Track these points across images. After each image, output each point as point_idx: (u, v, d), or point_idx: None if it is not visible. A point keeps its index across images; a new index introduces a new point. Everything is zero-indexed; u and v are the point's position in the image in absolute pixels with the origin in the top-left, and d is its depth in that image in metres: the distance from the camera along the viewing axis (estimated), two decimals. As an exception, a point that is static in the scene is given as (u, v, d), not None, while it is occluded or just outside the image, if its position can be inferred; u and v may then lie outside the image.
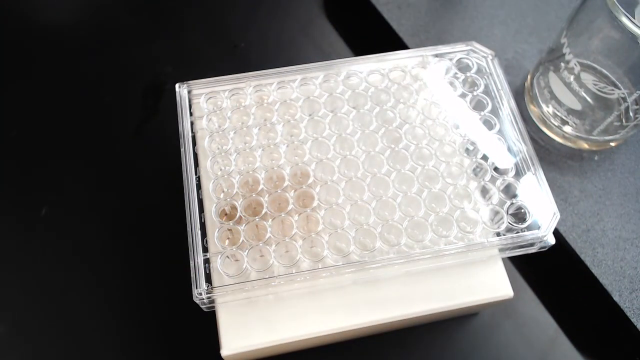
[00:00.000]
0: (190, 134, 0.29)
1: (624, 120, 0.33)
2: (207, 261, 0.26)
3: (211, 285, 0.26)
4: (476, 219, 0.28)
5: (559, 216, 0.28)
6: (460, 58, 0.32)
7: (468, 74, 0.32)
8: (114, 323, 0.33)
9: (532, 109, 0.38)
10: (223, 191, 0.28)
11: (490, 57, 0.32)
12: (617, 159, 0.36)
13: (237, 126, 0.30)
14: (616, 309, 0.32)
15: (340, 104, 0.31)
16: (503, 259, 0.29)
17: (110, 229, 0.36)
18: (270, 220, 0.27)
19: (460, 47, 0.32)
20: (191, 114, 0.30)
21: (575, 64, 0.32)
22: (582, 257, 0.33)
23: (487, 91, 0.31)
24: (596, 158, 0.36)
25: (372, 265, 0.26)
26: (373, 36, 0.43)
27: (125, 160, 0.38)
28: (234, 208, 0.28)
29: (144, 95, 0.41)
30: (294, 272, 0.26)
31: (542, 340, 0.33)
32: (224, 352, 0.26)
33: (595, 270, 0.32)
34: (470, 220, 0.28)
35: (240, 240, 0.27)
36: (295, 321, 0.27)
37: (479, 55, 0.32)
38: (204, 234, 0.27)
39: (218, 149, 0.29)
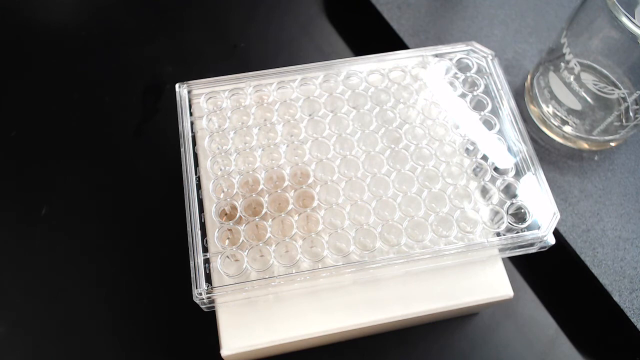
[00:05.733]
0: (190, 134, 0.29)
1: (624, 120, 0.33)
2: (207, 261, 0.26)
3: (211, 285, 0.26)
4: (476, 219, 0.28)
5: (559, 216, 0.28)
6: (460, 58, 0.32)
7: (468, 74, 0.32)
8: (114, 323, 0.33)
9: (532, 109, 0.38)
10: (223, 191, 0.28)
11: (490, 57, 0.32)
12: (617, 159, 0.36)
13: (237, 126, 0.30)
14: (616, 309, 0.32)
15: (340, 104, 0.31)
16: (503, 259, 0.29)
17: (110, 228, 0.36)
18: (270, 220, 0.27)
19: (460, 47, 0.32)
20: (191, 114, 0.30)
21: (575, 64, 0.32)
22: (582, 257, 0.33)
23: (487, 91, 0.31)
24: (596, 158, 0.36)
25: (372, 265, 0.26)
26: (373, 36, 0.43)
27: (125, 160, 0.38)
28: (234, 208, 0.28)
29: (144, 95, 0.41)
30: (294, 272, 0.26)
31: (542, 340, 0.33)
32: (224, 352, 0.26)
33: (595, 270, 0.32)
34: (470, 220, 0.28)
35: (240, 240, 0.27)
36: (295, 321, 0.27)
37: (479, 55, 0.32)
38: (204, 234, 0.27)
39: (218, 149, 0.29)
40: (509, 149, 0.29)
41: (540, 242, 0.27)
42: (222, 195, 0.28)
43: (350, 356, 0.32)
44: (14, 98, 0.41)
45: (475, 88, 0.31)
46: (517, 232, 0.27)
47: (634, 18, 0.29)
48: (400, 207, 0.28)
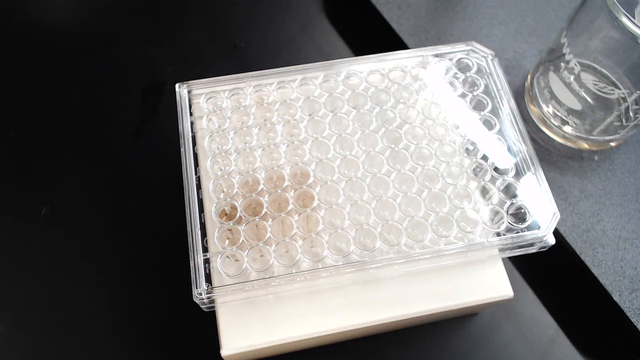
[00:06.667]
0: (190, 134, 0.29)
1: (624, 120, 0.33)
2: (207, 261, 0.26)
3: (211, 285, 0.26)
4: (476, 219, 0.28)
5: (559, 216, 0.28)
6: (460, 58, 0.32)
7: (468, 74, 0.32)
8: (114, 323, 0.33)
9: (532, 109, 0.38)
10: (223, 191, 0.28)
11: (490, 57, 0.32)
12: (617, 159, 0.36)
13: (237, 126, 0.30)
14: (616, 309, 0.32)
15: (340, 104, 0.31)
16: (503, 259, 0.29)
17: (110, 228, 0.36)
18: (270, 220, 0.27)
19: (460, 47, 0.32)
20: (191, 114, 0.30)
21: (575, 64, 0.32)
22: (582, 257, 0.33)
23: (487, 91, 0.31)
24: (596, 158, 0.36)
25: (372, 265, 0.26)
26: (373, 36, 0.43)
27: (125, 161, 0.38)
28: (234, 208, 0.28)
29: (144, 95, 0.41)
30: (294, 272, 0.26)
31: (542, 340, 0.33)
32: (224, 352, 0.26)
33: (595, 270, 0.32)
34: (470, 220, 0.28)
35: (240, 240, 0.27)
36: (295, 321, 0.27)
37: (479, 55, 0.32)
38: (204, 234, 0.27)
39: (218, 149, 0.29)
40: (509, 149, 0.29)
41: (540, 242, 0.27)
42: (222, 195, 0.28)
43: (350, 356, 0.32)
44: (14, 98, 0.41)
45: (475, 88, 0.31)
46: (517, 232, 0.27)
47: (634, 18, 0.29)
48: (400, 207, 0.28)
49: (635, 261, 0.33)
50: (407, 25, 0.41)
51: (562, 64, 0.33)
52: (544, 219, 0.28)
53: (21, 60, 0.42)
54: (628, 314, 0.31)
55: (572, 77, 0.33)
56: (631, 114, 0.33)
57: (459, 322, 0.34)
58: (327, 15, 0.45)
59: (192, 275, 0.26)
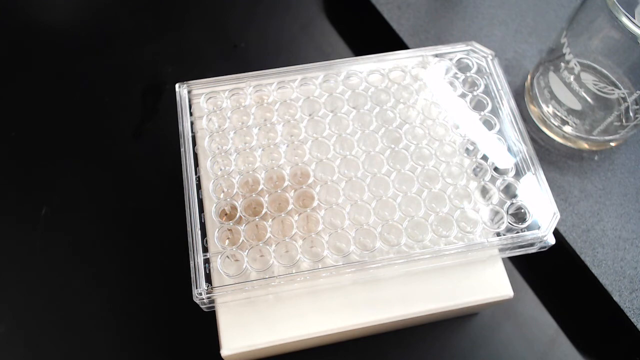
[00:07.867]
0: (190, 134, 0.29)
1: (624, 120, 0.33)
2: (207, 261, 0.26)
3: (211, 285, 0.26)
4: (476, 219, 0.28)
5: (559, 216, 0.28)
6: (460, 58, 0.32)
7: (468, 74, 0.32)
8: (114, 323, 0.33)
9: (532, 109, 0.38)
10: (223, 191, 0.28)
11: (490, 57, 0.32)
12: (617, 159, 0.36)
13: (237, 126, 0.30)
14: (616, 309, 0.32)
15: (340, 104, 0.31)
16: (503, 259, 0.29)
17: (110, 228, 0.36)
18: (270, 220, 0.27)
19: (460, 47, 0.32)
20: (191, 114, 0.30)
21: (575, 64, 0.32)
22: (582, 257, 0.33)
23: (487, 91, 0.31)
24: (596, 158, 0.36)
25: (372, 265, 0.26)
26: (373, 36, 0.43)
27: (125, 160, 0.38)
28: (234, 208, 0.28)
29: (144, 95, 0.41)
30: (294, 272, 0.26)
31: (542, 340, 0.33)
32: (224, 352, 0.26)
33: (595, 270, 0.32)
34: (470, 220, 0.28)
35: (240, 240, 0.27)
36: (295, 321, 0.27)
37: (479, 55, 0.32)
38: (204, 234, 0.27)
39: (218, 149, 0.29)
40: (509, 149, 0.29)
41: (540, 242, 0.27)
42: (222, 195, 0.28)
43: (350, 356, 0.32)
44: (14, 98, 0.41)
45: (475, 88, 0.31)
46: (517, 232, 0.27)
47: (634, 18, 0.29)
48: (400, 207, 0.28)
49: (635, 261, 0.33)
50: (407, 25, 0.41)
51: (562, 64, 0.33)
52: (544, 219, 0.28)
53: (21, 60, 0.42)
54: (628, 314, 0.31)
55: (572, 77, 0.33)
56: (631, 114, 0.33)
57: (459, 322, 0.34)
58: (327, 15, 0.45)
59: (192, 275, 0.26)
